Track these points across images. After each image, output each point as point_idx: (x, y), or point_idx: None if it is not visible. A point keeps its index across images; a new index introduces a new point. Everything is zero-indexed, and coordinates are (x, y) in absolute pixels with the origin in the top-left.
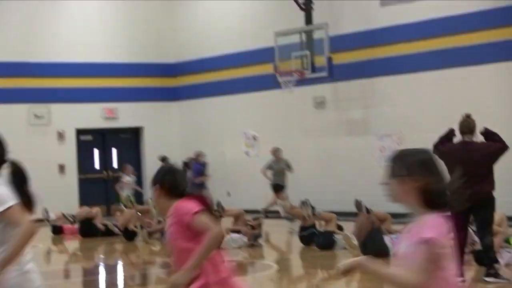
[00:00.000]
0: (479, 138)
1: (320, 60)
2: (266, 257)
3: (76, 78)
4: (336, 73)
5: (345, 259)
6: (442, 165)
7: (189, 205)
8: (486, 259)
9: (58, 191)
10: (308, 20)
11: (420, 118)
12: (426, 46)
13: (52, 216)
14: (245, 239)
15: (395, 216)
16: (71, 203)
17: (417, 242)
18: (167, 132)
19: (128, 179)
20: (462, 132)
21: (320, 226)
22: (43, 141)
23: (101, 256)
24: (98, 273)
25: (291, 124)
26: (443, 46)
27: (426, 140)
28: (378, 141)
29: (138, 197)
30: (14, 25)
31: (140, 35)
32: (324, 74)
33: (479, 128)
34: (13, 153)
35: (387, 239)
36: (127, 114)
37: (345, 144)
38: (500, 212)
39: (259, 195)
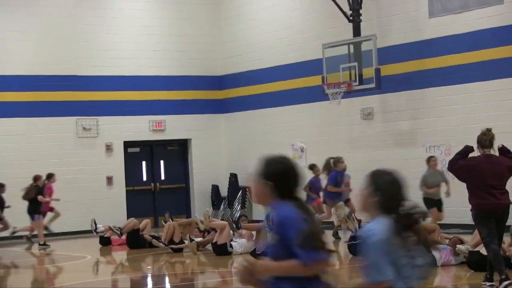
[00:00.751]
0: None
1: (368, 72)
2: None
3: (124, 92)
4: (384, 85)
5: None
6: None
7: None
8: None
9: (106, 203)
10: (356, 32)
11: (470, 130)
12: (474, 58)
13: (101, 228)
14: None
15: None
16: (119, 215)
17: None
18: (214, 144)
19: None
20: (484, 146)
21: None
22: (91, 153)
23: (148, 267)
24: (145, 285)
25: (338, 135)
26: (492, 57)
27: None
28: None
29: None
30: (64, 40)
31: (187, 49)
32: (372, 85)
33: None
34: (62, 165)
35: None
36: (174, 127)
37: (392, 155)
38: None
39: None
